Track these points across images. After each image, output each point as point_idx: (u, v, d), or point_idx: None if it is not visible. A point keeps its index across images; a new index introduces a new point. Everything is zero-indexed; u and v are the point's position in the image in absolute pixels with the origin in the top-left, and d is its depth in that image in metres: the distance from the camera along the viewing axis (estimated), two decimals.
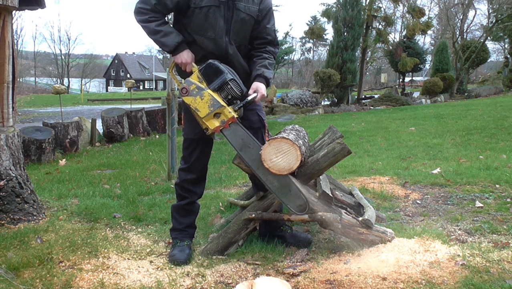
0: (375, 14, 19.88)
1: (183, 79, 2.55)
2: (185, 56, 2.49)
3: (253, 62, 2.62)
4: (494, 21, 25.34)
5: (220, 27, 2.47)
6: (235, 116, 2.40)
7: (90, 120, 9.28)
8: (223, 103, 2.39)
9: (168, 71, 4.70)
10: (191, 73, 2.49)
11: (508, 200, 3.52)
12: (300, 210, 2.39)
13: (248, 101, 2.45)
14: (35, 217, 3.19)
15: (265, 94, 2.54)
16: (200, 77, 2.41)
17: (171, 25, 2.56)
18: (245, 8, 2.51)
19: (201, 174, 2.70)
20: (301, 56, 60.03)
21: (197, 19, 2.46)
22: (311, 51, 60.53)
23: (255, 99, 2.49)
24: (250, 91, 2.51)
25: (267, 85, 2.58)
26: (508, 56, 28.63)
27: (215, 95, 2.39)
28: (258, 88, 2.52)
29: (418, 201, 3.68)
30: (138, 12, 2.47)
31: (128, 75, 59.40)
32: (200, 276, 2.32)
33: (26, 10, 6.57)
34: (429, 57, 33.34)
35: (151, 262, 2.53)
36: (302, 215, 2.43)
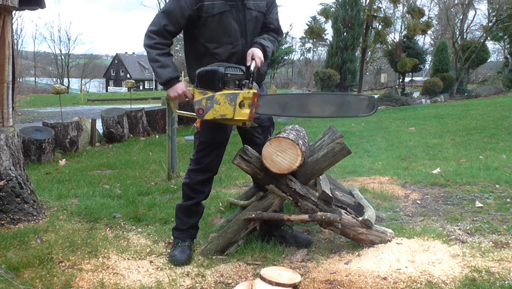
0: (375, 14, 19.90)
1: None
2: (179, 87, 2.46)
3: None
4: (494, 21, 25.34)
5: (235, 31, 2.45)
6: (255, 91, 2.36)
7: (90, 121, 9.28)
8: (237, 91, 2.35)
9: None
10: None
11: (508, 200, 3.52)
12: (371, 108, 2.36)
13: (252, 71, 2.38)
14: (35, 217, 3.19)
15: (262, 59, 2.46)
16: (202, 91, 2.38)
17: (172, 59, 2.52)
18: (254, 6, 2.50)
19: (212, 174, 2.71)
20: (301, 56, 60.07)
21: (210, 28, 2.43)
22: (311, 51, 60.58)
23: (257, 65, 2.41)
24: (248, 59, 2.43)
25: (264, 52, 2.49)
26: (508, 56, 28.63)
27: (226, 92, 2.35)
28: (254, 54, 2.44)
29: (418, 201, 3.68)
30: (148, 36, 2.46)
31: (128, 75, 59.32)
32: (200, 276, 2.32)
33: (26, 10, 6.58)
34: (429, 57, 33.33)
35: (151, 262, 2.53)
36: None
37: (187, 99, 2.51)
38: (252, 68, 2.39)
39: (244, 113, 2.35)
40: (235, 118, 2.35)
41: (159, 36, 2.44)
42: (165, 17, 2.43)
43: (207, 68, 2.37)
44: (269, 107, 2.39)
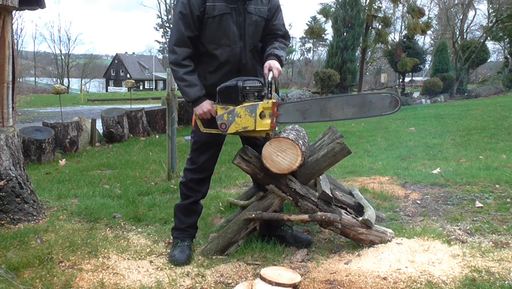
0: (375, 14, 19.89)
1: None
2: (205, 105, 2.49)
3: (264, 51, 2.61)
4: (494, 21, 25.34)
5: (233, 33, 2.47)
6: (274, 101, 2.38)
7: (90, 121, 9.28)
8: (256, 102, 2.37)
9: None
10: None
11: (508, 200, 3.52)
12: (394, 106, 2.38)
13: (270, 82, 2.42)
14: (35, 217, 3.19)
15: (281, 70, 2.51)
16: (224, 106, 2.41)
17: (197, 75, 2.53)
18: (255, 11, 2.51)
19: (208, 174, 2.72)
20: (301, 56, 60.10)
21: (211, 29, 2.46)
22: (311, 51, 60.59)
23: (275, 76, 2.45)
24: (266, 72, 2.48)
25: (280, 63, 2.53)
26: (508, 56, 28.63)
27: (246, 104, 2.38)
28: (271, 66, 2.49)
29: (418, 201, 3.68)
30: (172, 51, 2.48)
31: (128, 75, 59.25)
32: (200, 276, 2.32)
33: (26, 10, 6.58)
34: (429, 57, 33.33)
35: (151, 262, 2.53)
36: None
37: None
38: (269, 79, 2.42)
39: (265, 124, 2.38)
40: (257, 129, 2.38)
41: (181, 46, 2.45)
42: (182, 22, 2.43)
43: (227, 83, 2.41)
44: (290, 115, 2.42)
